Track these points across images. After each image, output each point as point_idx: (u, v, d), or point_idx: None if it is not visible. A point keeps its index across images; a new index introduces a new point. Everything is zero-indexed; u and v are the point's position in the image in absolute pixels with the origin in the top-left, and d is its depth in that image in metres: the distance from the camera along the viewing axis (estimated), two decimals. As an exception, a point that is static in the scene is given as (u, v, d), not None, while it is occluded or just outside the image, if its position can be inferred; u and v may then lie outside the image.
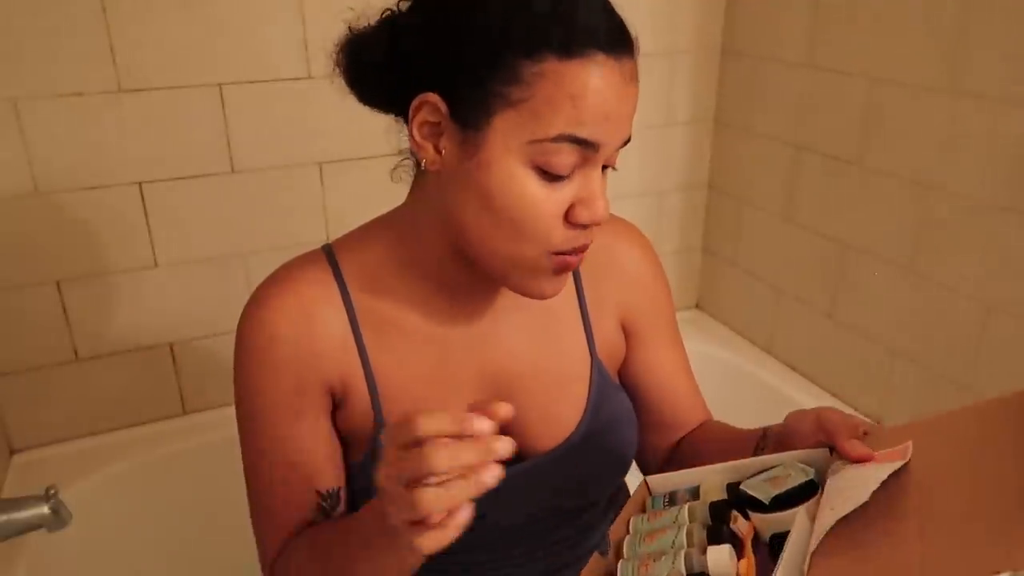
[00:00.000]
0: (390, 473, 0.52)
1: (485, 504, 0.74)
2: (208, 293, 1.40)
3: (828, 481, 0.61)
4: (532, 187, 0.63)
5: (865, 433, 0.66)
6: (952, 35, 1.21)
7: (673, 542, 0.60)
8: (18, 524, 1.01)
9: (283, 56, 1.32)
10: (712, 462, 0.85)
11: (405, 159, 0.75)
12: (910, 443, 0.61)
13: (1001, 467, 0.59)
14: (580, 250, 0.67)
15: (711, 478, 0.69)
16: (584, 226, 0.65)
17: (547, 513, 0.80)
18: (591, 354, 0.81)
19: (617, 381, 0.86)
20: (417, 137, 0.66)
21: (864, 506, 0.55)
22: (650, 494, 0.71)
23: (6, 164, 1.20)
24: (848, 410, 1.49)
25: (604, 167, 0.67)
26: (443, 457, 0.49)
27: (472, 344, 0.77)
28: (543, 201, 0.63)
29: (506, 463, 0.78)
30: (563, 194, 0.64)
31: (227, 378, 1.51)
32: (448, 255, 0.72)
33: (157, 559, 1.38)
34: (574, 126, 0.61)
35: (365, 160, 1.43)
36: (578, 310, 0.82)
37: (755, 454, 0.77)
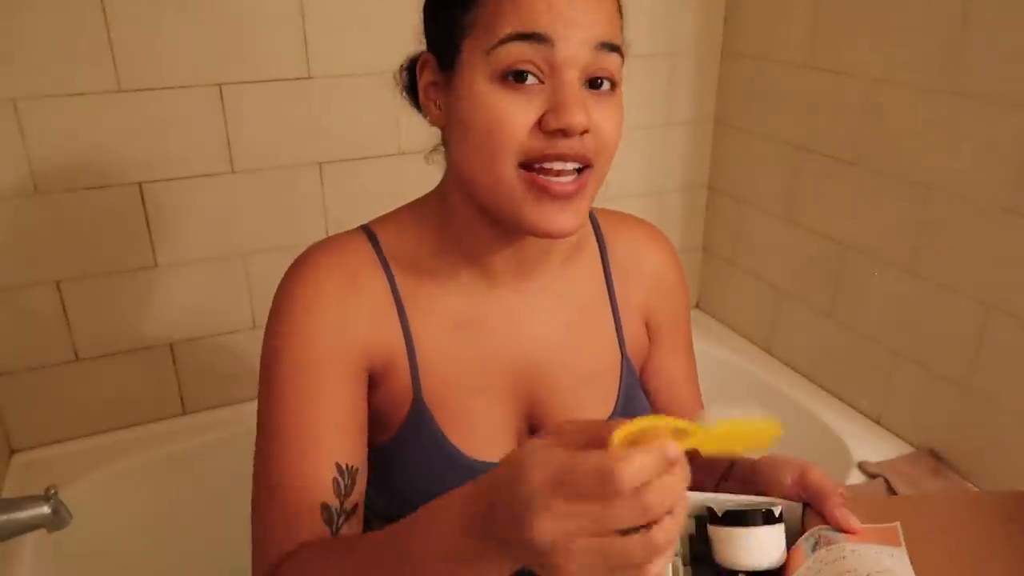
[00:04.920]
0: (580, 526, 0.42)
1: None
2: (208, 293, 1.40)
3: (822, 553, 0.59)
4: (496, 98, 0.63)
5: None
6: (952, 35, 1.21)
7: None
8: (18, 524, 1.01)
9: (283, 56, 1.32)
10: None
11: (439, 143, 0.77)
12: (898, 525, 0.61)
13: (990, 566, 0.59)
14: (560, 158, 0.63)
15: None
16: (560, 133, 0.62)
17: None
18: (621, 351, 0.82)
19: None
20: (423, 99, 0.71)
21: None
22: None
23: (6, 164, 1.20)
24: (848, 410, 1.50)
25: (599, 85, 0.65)
26: (661, 501, 0.42)
27: (508, 332, 0.77)
28: (508, 110, 0.63)
29: None
30: (533, 103, 0.63)
31: (227, 378, 1.51)
32: (476, 223, 0.72)
33: (157, 559, 1.38)
34: (517, 23, 0.62)
35: (365, 160, 1.43)
36: (609, 307, 0.82)
37: (718, 483, 0.78)
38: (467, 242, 0.74)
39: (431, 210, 0.76)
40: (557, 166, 0.64)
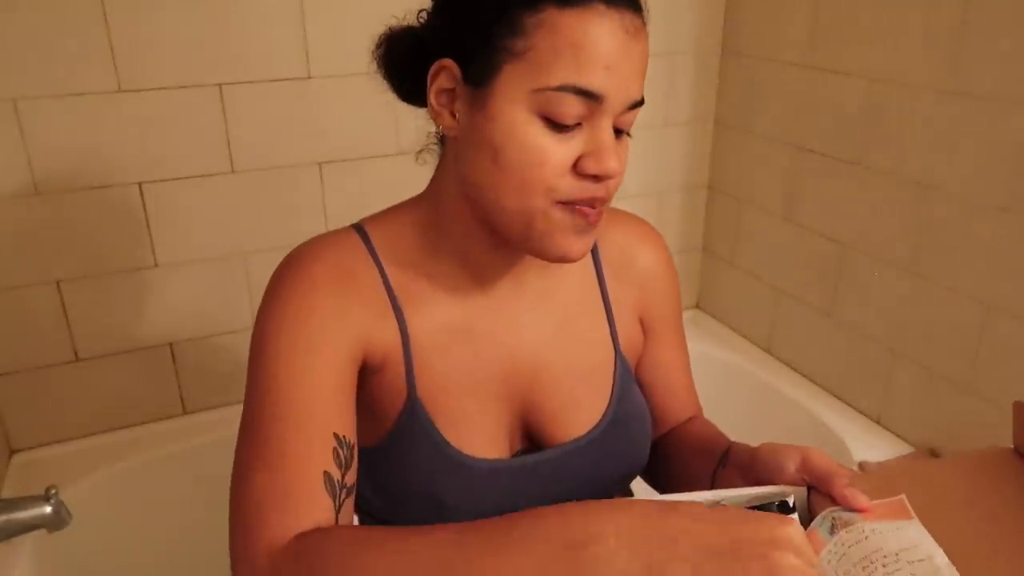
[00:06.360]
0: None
1: (509, 495, 0.74)
2: (208, 293, 1.40)
3: (843, 536, 0.59)
4: (538, 136, 0.64)
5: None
6: (951, 35, 1.21)
7: None
8: (18, 524, 1.01)
9: (283, 56, 1.32)
10: (681, 466, 0.86)
11: (431, 143, 0.76)
12: (904, 497, 0.62)
13: (988, 525, 0.60)
14: (592, 203, 0.66)
15: None
16: (594, 177, 0.65)
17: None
18: (615, 348, 0.82)
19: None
20: (435, 104, 0.69)
21: None
22: None
23: (6, 164, 1.20)
24: (848, 410, 1.50)
25: (619, 131, 0.67)
26: None
27: (500, 332, 0.77)
28: (549, 150, 0.64)
29: (530, 452, 0.78)
30: (571, 145, 0.64)
31: (227, 378, 1.51)
32: (473, 230, 0.72)
33: (157, 559, 1.38)
34: (576, 75, 0.62)
35: (365, 160, 1.43)
36: (602, 305, 0.83)
37: (714, 471, 0.78)
38: (461, 247, 0.74)
39: (424, 212, 0.76)
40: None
